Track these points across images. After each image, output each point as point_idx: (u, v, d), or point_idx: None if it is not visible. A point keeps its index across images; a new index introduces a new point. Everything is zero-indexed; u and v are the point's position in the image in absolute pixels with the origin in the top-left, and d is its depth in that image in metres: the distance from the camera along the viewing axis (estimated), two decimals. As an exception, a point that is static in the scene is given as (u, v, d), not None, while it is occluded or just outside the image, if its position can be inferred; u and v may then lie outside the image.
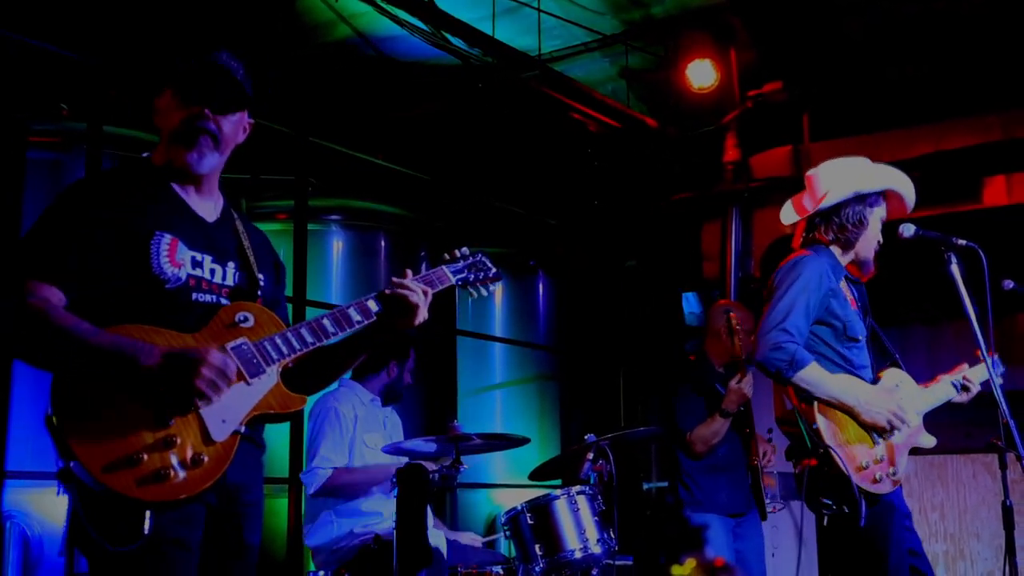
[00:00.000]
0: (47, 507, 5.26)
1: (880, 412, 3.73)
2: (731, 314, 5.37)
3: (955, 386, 4.06)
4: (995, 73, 7.18)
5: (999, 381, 4.00)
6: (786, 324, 3.73)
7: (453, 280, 3.04)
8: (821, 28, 7.22)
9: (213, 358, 2.48)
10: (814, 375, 3.71)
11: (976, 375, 4.09)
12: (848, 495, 3.61)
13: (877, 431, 3.74)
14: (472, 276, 3.09)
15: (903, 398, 3.89)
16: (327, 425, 5.11)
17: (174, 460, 2.45)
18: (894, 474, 3.75)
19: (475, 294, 3.13)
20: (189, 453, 2.48)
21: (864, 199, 3.94)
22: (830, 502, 3.66)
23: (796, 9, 7.04)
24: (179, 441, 2.47)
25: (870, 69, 7.47)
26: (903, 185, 4.01)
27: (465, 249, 3.13)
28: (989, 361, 3.76)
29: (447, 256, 3.08)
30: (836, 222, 3.96)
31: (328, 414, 5.13)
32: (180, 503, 2.46)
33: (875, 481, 3.68)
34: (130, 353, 2.44)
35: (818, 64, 7.56)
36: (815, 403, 3.71)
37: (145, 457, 2.42)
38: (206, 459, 2.50)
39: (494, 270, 3.16)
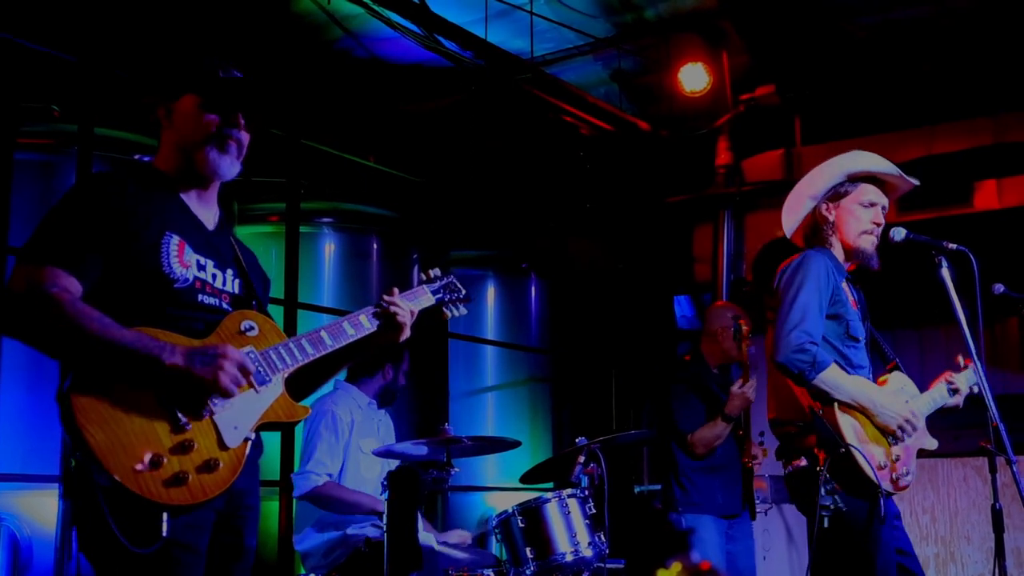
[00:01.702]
0: (37, 509, 5.23)
1: (893, 416, 3.74)
2: (741, 320, 5.40)
3: (948, 390, 4.07)
4: (986, 77, 7.21)
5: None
6: (806, 325, 3.72)
7: (433, 299, 3.21)
8: (813, 32, 7.23)
9: (233, 354, 2.56)
10: (834, 377, 3.71)
11: (962, 379, 4.10)
12: (871, 493, 3.60)
13: (889, 433, 3.75)
14: (447, 296, 3.26)
15: (908, 402, 3.90)
16: (324, 428, 5.10)
17: (192, 464, 2.50)
18: (907, 474, 3.77)
19: (449, 314, 3.28)
20: (206, 458, 2.53)
21: (823, 197, 3.97)
22: (830, 502, 3.66)
23: (788, 13, 7.06)
24: (196, 446, 2.51)
25: (862, 73, 7.48)
26: (866, 163, 3.96)
27: (438, 270, 3.30)
28: (978, 364, 3.77)
29: (424, 276, 3.26)
30: (809, 233, 4.03)
31: (325, 417, 5.12)
32: (195, 507, 2.51)
33: (891, 480, 3.70)
34: (155, 352, 2.48)
35: (810, 68, 7.58)
36: (835, 403, 3.71)
37: (166, 460, 2.46)
38: (221, 465, 2.55)
39: (464, 292, 3.33)
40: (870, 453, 3.67)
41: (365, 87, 7.25)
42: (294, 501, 5.40)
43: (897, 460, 3.74)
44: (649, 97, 8.04)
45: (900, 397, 3.89)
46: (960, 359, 4.12)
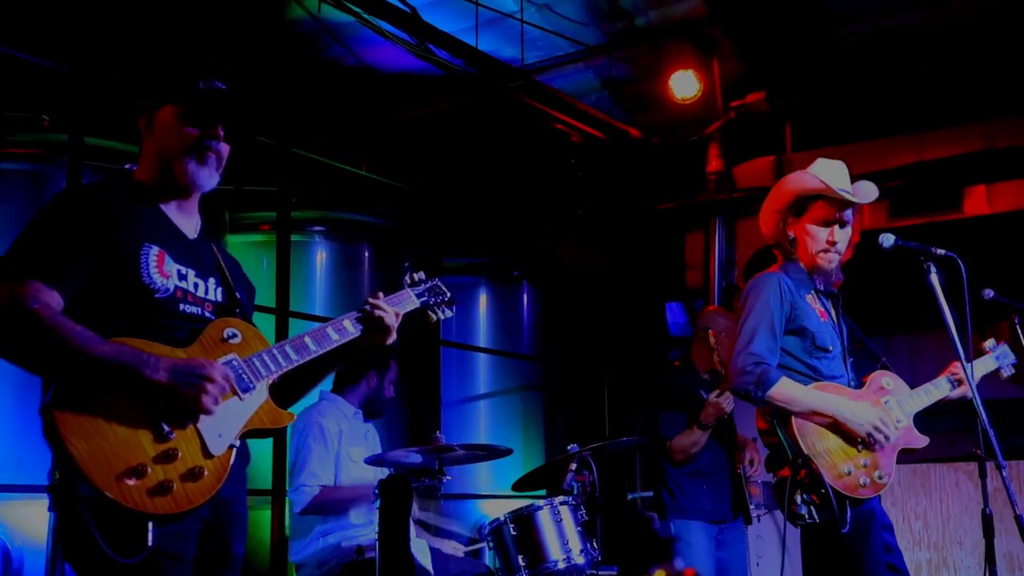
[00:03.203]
0: (28, 520, 5.21)
1: (862, 423, 3.75)
2: (710, 331, 5.40)
3: (950, 382, 4.06)
4: (976, 84, 7.23)
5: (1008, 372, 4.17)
6: (751, 347, 3.78)
7: (418, 303, 3.20)
8: (804, 39, 7.25)
9: (218, 373, 2.55)
10: (786, 391, 3.73)
11: (973, 370, 4.07)
12: (827, 502, 3.63)
13: (858, 440, 3.75)
14: (432, 299, 3.25)
15: (890, 400, 3.91)
16: (312, 440, 5.08)
17: (176, 473, 2.50)
18: (880, 478, 3.76)
19: (434, 316, 3.27)
20: (190, 466, 2.52)
21: (785, 213, 3.96)
22: (804, 512, 3.68)
23: (778, 20, 7.07)
24: (180, 454, 2.51)
25: (853, 79, 7.50)
26: (811, 183, 3.88)
27: (422, 273, 3.28)
28: (968, 369, 3.77)
29: (408, 280, 3.24)
30: (778, 246, 4.03)
31: (312, 429, 5.10)
32: (180, 516, 2.50)
33: (859, 487, 3.70)
34: (136, 365, 2.48)
35: (801, 74, 7.60)
36: (791, 416, 3.73)
37: (150, 469, 2.45)
38: (206, 472, 2.55)
39: (449, 295, 3.31)
40: (830, 463, 3.69)
41: (356, 95, 7.25)
42: (287, 510, 5.39)
43: (866, 465, 3.75)
44: (640, 104, 8.05)
45: (878, 395, 3.89)
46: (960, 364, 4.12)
